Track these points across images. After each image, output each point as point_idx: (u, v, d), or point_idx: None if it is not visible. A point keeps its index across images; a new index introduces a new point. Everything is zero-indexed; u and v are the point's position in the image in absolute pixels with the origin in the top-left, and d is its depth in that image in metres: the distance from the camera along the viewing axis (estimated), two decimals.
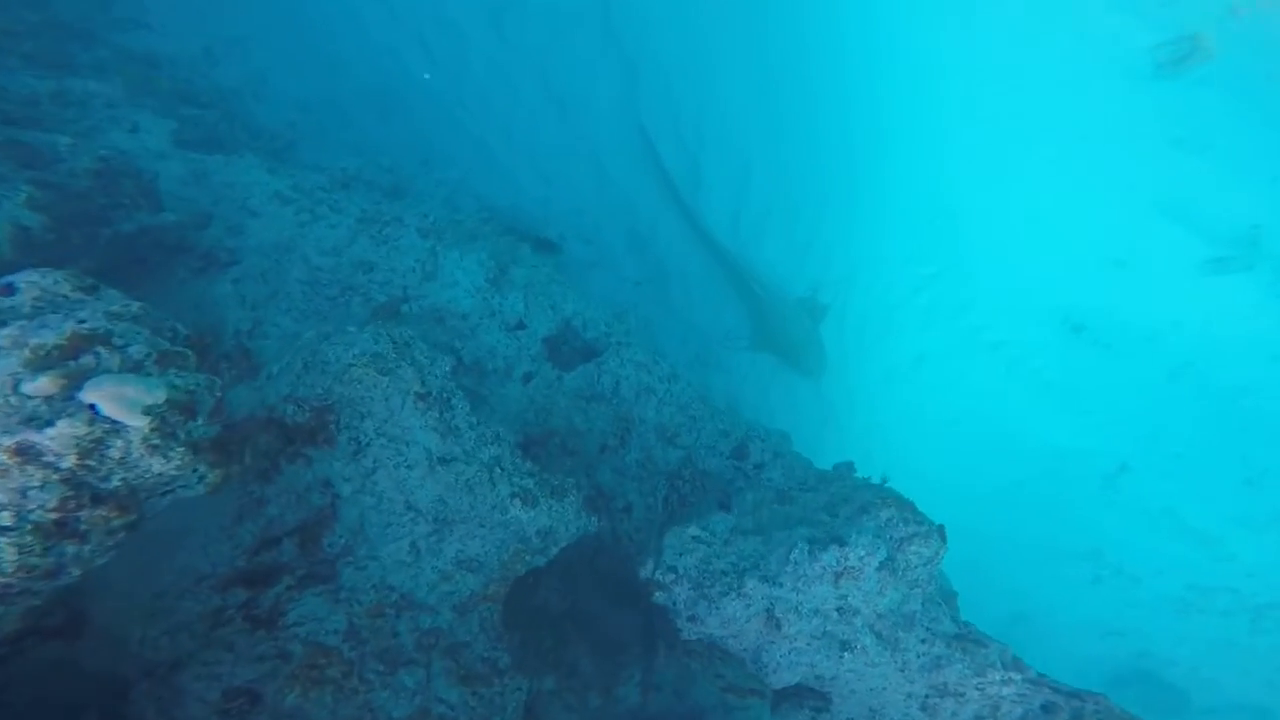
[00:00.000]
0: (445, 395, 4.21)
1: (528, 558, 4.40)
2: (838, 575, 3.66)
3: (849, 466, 4.80)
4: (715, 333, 9.47)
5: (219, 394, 3.04)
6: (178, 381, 2.85)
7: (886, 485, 4.40)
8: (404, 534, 4.16)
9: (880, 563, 3.70)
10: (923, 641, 3.77)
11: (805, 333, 9.29)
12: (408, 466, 4.05)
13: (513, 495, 4.19)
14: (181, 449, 2.82)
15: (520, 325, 6.07)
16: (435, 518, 4.15)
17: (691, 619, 3.81)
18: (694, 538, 4.06)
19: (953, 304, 9.76)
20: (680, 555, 3.97)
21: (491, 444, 4.31)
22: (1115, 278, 9.28)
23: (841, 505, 4.12)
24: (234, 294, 6.16)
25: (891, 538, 3.80)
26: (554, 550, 4.45)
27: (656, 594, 3.97)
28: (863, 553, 3.66)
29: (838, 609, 3.72)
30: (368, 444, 4.00)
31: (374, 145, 8.87)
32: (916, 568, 3.79)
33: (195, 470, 3.01)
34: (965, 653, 3.79)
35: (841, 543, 3.69)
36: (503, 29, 7.86)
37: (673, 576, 3.89)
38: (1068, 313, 9.54)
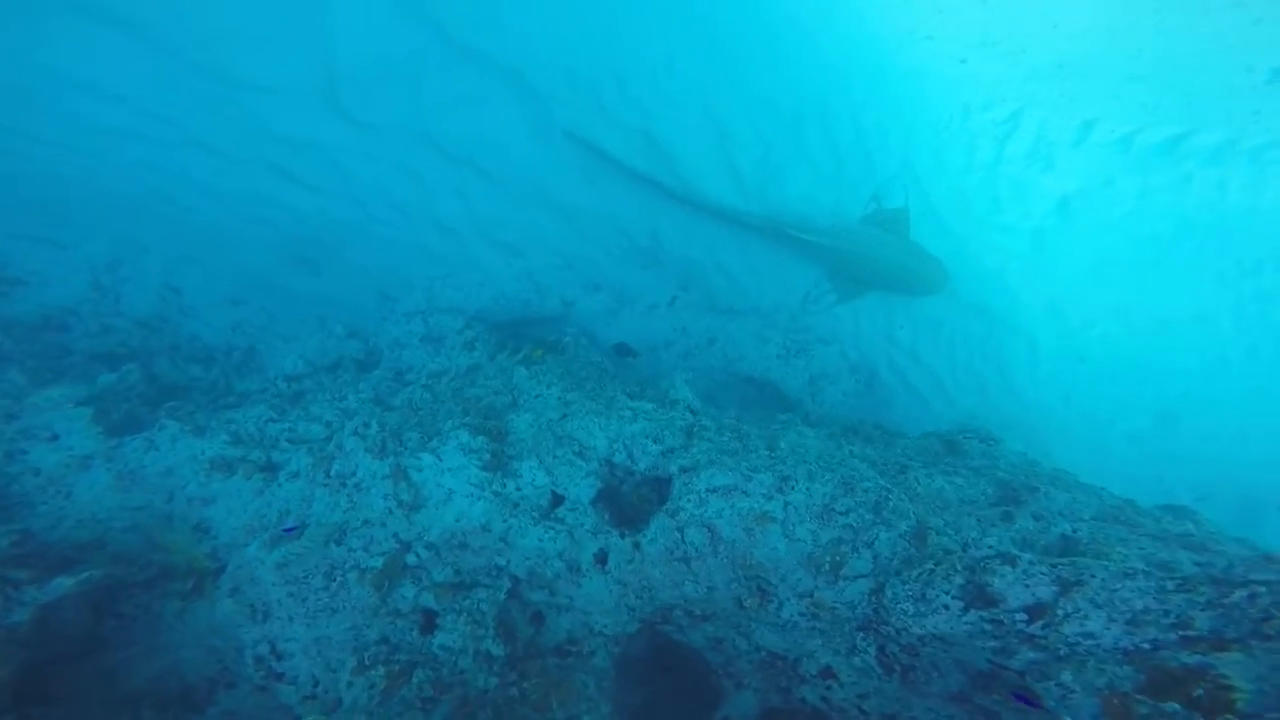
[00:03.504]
0: None
1: None
2: None
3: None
4: (794, 306, 7.12)
5: None
6: None
7: None
8: None
9: None
10: None
11: (895, 249, 6.80)
12: None
13: None
14: None
15: (556, 500, 4.10)
16: None
17: None
18: None
19: (1068, 129, 6.72)
20: None
21: None
22: None
23: None
24: (238, 608, 4.61)
25: None
26: None
27: None
28: None
29: None
30: None
31: (329, 305, 7.09)
32: None
33: None
34: None
35: None
36: (349, 114, 5.65)
37: None
38: (1273, 68, 6.25)
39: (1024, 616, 2.76)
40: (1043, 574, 2.73)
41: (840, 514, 3.54)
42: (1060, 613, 2.64)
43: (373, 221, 6.49)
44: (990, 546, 2.92)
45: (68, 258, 6.91)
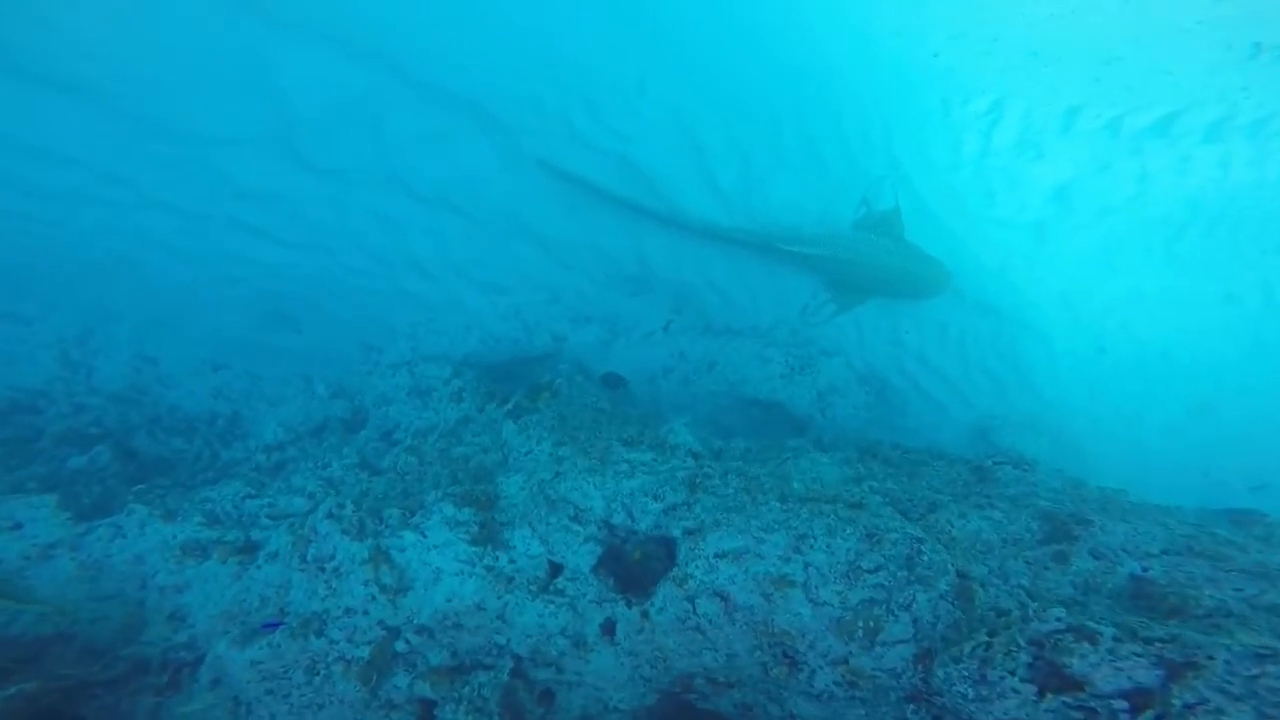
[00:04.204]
0: None
1: None
2: None
3: None
4: (794, 320, 6.70)
5: None
6: None
7: None
8: None
9: None
10: None
11: (891, 253, 6.39)
12: None
13: None
14: None
15: (554, 571, 3.66)
16: None
17: None
18: None
19: (1053, 116, 6.27)
20: None
21: None
22: None
23: None
24: (222, 700, 4.14)
25: None
26: None
27: None
28: None
29: None
30: None
31: (313, 362, 6.66)
32: None
33: None
34: None
35: None
36: (310, 162, 5.26)
37: None
38: (1257, 40, 5.82)
39: (1124, 705, 2.23)
40: (1136, 654, 2.23)
41: (868, 572, 3.09)
42: (1176, 703, 2.14)
43: (348, 271, 6.09)
44: (1058, 619, 2.45)
45: (34, 333, 6.51)
